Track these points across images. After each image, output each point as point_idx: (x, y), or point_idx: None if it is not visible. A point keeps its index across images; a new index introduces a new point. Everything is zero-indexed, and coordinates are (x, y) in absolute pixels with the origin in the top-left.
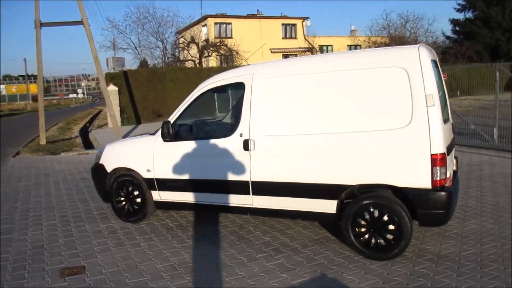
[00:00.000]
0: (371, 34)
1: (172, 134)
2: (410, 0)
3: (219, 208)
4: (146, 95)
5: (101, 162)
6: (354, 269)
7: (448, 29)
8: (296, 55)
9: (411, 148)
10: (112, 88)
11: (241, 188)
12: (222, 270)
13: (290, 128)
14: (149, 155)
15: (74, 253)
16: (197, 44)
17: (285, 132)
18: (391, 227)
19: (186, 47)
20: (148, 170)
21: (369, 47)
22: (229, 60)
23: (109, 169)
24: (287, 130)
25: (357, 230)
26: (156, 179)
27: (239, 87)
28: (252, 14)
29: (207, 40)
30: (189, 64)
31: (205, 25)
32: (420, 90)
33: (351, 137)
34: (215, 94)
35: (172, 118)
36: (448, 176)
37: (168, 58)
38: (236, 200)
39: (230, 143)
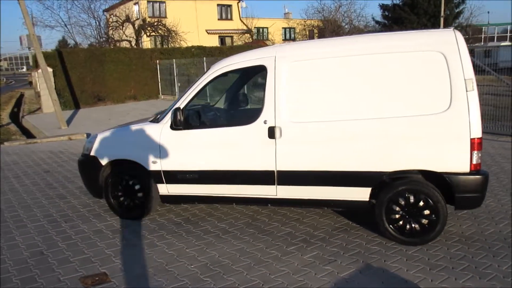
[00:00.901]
0: (306, 17)
1: (183, 122)
2: None
3: (237, 200)
4: (84, 77)
5: (93, 154)
6: (394, 257)
7: (378, 14)
8: (232, 37)
9: (450, 132)
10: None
11: (265, 178)
12: (262, 267)
13: (321, 114)
14: (154, 145)
15: (85, 258)
16: (133, 24)
17: (315, 118)
18: (427, 212)
19: (121, 27)
20: (154, 162)
21: (304, 29)
22: (165, 41)
23: (103, 161)
24: (317, 116)
25: (391, 217)
26: (164, 171)
27: (259, 70)
28: None
29: (144, 20)
30: (124, 45)
31: (137, 3)
32: (459, 75)
33: (387, 123)
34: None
35: (181, 104)
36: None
37: (101, 37)
38: (258, 191)
39: (253, 131)
